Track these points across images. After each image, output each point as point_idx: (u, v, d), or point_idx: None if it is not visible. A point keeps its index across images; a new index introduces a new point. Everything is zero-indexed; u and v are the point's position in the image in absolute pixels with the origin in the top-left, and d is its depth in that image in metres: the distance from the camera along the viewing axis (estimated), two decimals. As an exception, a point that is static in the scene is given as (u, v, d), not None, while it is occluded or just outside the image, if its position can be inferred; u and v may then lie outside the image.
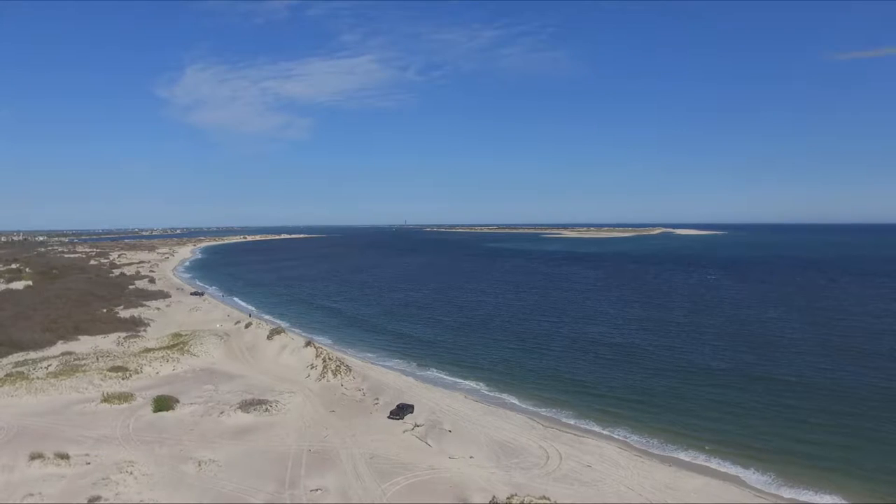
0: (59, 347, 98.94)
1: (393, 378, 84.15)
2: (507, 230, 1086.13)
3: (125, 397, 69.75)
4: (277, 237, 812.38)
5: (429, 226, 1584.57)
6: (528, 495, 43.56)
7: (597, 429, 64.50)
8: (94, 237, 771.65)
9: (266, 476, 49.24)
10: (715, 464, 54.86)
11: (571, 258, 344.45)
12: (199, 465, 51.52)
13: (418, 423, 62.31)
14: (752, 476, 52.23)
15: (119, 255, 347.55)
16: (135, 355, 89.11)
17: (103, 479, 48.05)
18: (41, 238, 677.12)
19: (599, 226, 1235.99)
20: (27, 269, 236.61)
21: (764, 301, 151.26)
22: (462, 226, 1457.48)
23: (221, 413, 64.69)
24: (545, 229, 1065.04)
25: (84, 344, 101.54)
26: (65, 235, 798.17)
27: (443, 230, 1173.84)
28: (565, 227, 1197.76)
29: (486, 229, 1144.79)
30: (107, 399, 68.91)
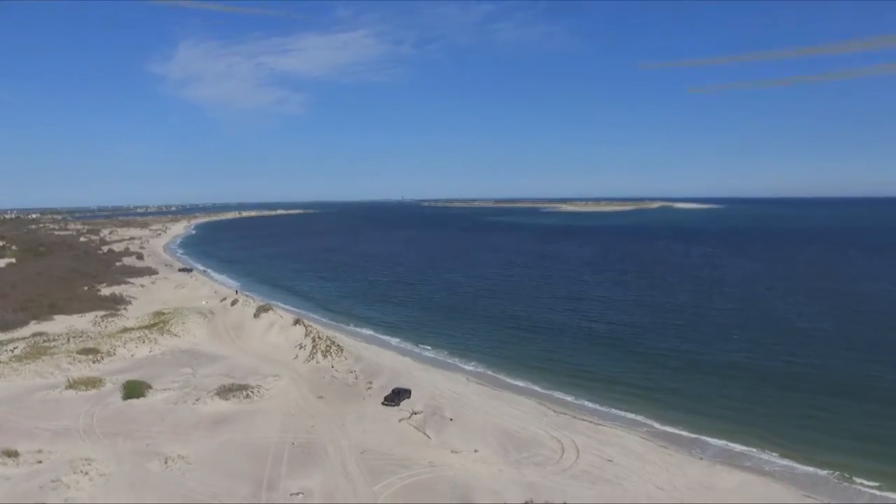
0: (32, 328, 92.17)
1: (389, 358, 77.70)
2: (504, 204, 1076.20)
3: (93, 383, 63.12)
4: (273, 213, 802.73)
5: (426, 201, 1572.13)
6: (547, 502, 37.14)
7: (614, 415, 58.08)
8: (89, 215, 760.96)
9: (241, 476, 42.82)
10: (752, 457, 48.48)
11: (571, 231, 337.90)
12: (166, 462, 45.05)
13: (416, 411, 55.86)
14: (795, 470, 45.89)
15: (110, 232, 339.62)
16: (110, 336, 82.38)
17: (53, 481, 41.59)
18: (34, 216, 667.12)
19: (598, 199, 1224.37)
20: (13, 247, 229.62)
21: (773, 275, 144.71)
22: (459, 200, 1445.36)
23: (197, 400, 58.17)
24: (543, 203, 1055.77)
25: (59, 324, 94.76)
26: (59, 213, 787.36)
27: (440, 205, 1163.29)
28: (563, 201, 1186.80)
29: (483, 204, 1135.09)
30: (72, 385, 62.27)
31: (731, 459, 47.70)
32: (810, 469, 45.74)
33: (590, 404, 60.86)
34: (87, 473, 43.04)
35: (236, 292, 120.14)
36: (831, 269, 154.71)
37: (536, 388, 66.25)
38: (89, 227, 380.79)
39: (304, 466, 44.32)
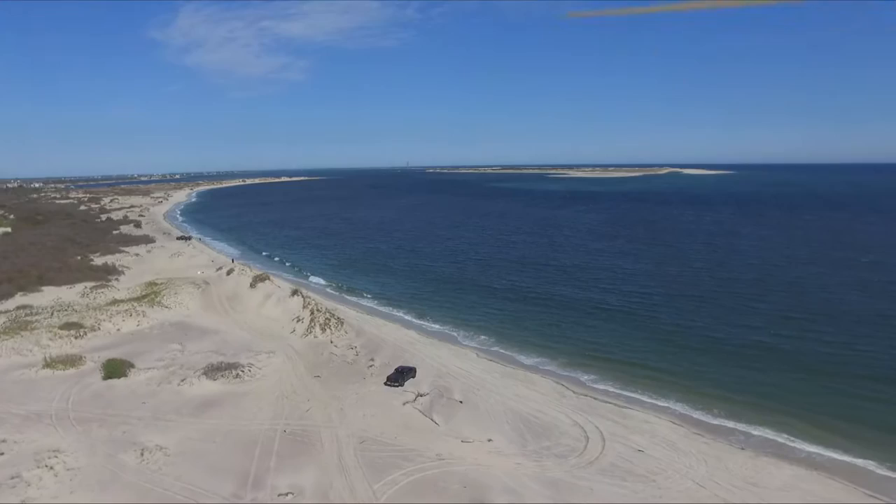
0: (17, 300, 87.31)
1: (392, 332, 72.49)
2: (510, 171, 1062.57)
3: (72, 361, 58.28)
4: (277, 180, 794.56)
5: (432, 167, 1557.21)
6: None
7: (639, 396, 52.71)
8: (92, 184, 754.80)
9: (224, 470, 37.90)
10: (798, 448, 42.99)
11: (578, 198, 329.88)
12: (142, 454, 40.19)
13: (421, 392, 50.74)
14: (853, 465, 40.48)
15: (111, 200, 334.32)
16: (96, 309, 77.51)
17: (13, 477, 36.85)
18: (37, 185, 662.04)
19: (605, 166, 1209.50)
20: (10, 216, 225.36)
21: (791, 243, 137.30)
22: (465, 167, 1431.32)
23: (182, 381, 53.22)
24: (550, 170, 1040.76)
25: (46, 296, 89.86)
26: (62, 182, 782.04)
27: (445, 171, 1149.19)
28: (570, 167, 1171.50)
29: (489, 170, 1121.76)
30: (50, 364, 57.48)
31: (776, 451, 42.30)
32: (870, 464, 40.29)
33: (611, 385, 55.29)
34: (52, 468, 38.25)
35: (232, 261, 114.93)
36: (852, 236, 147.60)
37: (551, 366, 60.74)
38: (90, 196, 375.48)
39: (296, 459, 39.34)
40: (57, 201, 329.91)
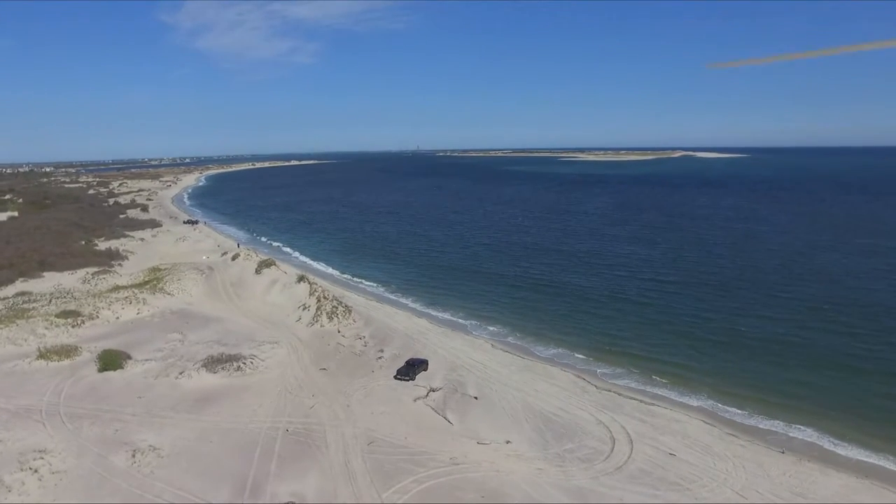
0: (17, 287, 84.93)
1: (402, 320, 69.35)
2: (521, 154, 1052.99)
3: (67, 352, 55.59)
4: (287, 164, 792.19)
5: (441, 151, 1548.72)
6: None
7: (665, 393, 49.26)
8: (103, 168, 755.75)
9: (221, 474, 34.98)
10: (843, 454, 39.36)
11: (590, 181, 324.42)
12: (134, 455, 37.35)
13: (434, 388, 47.57)
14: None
15: (120, 184, 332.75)
16: (96, 296, 74.85)
17: (-6, 481, 34.12)
18: (48, 169, 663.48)
19: (616, 149, 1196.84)
20: (19, 200, 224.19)
21: (812, 228, 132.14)
22: (475, 150, 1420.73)
23: (181, 373, 50.35)
24: (561, 153, 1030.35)
25: (47, 282, 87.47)
26: (73, 167, 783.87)
27: (455, 155, 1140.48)
28: (581, 150, 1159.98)
29: (500, 154, 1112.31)
30: (44, 354, 54.79)
31: (820, 455, 38.77)
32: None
33: (635, 380, 51.85)
34: (36, 471, 35.50)
35: (238, 245, 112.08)
36: (874, 221, 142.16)
37: (570, 359, 57.28)
38: (100, 180, 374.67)
39: (299, 462, 36.31)
40: (66, 185, 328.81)
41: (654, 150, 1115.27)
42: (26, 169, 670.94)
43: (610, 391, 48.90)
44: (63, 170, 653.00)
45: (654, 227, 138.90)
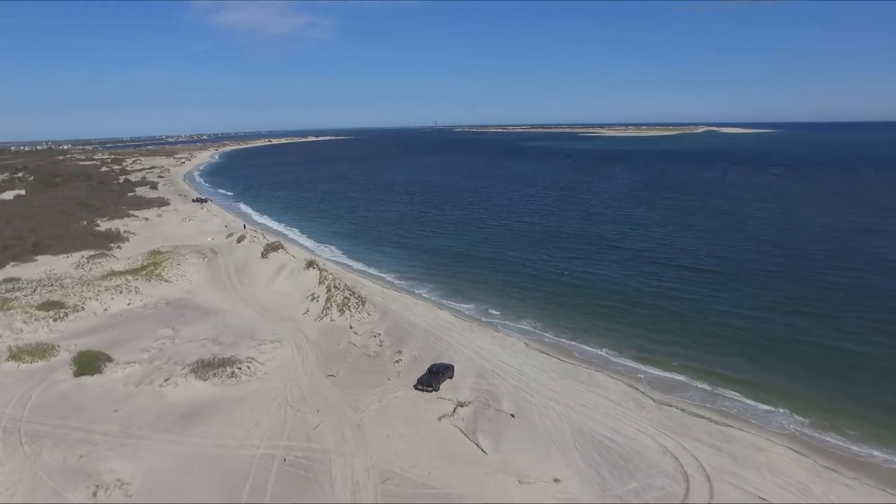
0: (7, 272, 78.90)
1: (422, 313, 61.75)
2: (540, 130, 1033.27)
3: (42, 352, 49.00)
4: (304, 140, 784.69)
5: (459, 127, 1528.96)
6: None
7: (735, 409, 41.05)
8: (120, 145, 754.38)
9: (199, 524, 27.89)
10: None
11: (612, 157, 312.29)
12: (96, 492, 30.46)
13: (461, 402, 39.99)
14: None
15: (134, 161, 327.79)
16: (85, 284, 68.20)
17: (-82, 529, 27.41)
18: (65, 147, 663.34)
19: (638, 124, 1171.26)
20: (29, 178, 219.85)
21: (862, 211, 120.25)
22: (493, 126, 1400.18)
23: (167, 380, 43.35)
24: (581, 129, 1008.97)
25: (39, 266, 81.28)
26: (90, 144, 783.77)
27: (474, 130, 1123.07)
28: (602, 126, 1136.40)
29: (519, 129, 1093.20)
30: (15, 355, 48.27)
31: (957, 502, 30.71)
32: None
33: (697, 393, 43.49)
34: (-27, 514, 28.77)
35: (244, 227, 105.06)
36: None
37: (615, 363, 49.17)
38: (114, 157, 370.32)
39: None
40: (80, 163, 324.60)
41: (675, 125, 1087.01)
42: (44, 147, 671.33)
43: (670, 406, 40.98)
44: (80, 147, 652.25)
45: (685, 209, 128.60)
